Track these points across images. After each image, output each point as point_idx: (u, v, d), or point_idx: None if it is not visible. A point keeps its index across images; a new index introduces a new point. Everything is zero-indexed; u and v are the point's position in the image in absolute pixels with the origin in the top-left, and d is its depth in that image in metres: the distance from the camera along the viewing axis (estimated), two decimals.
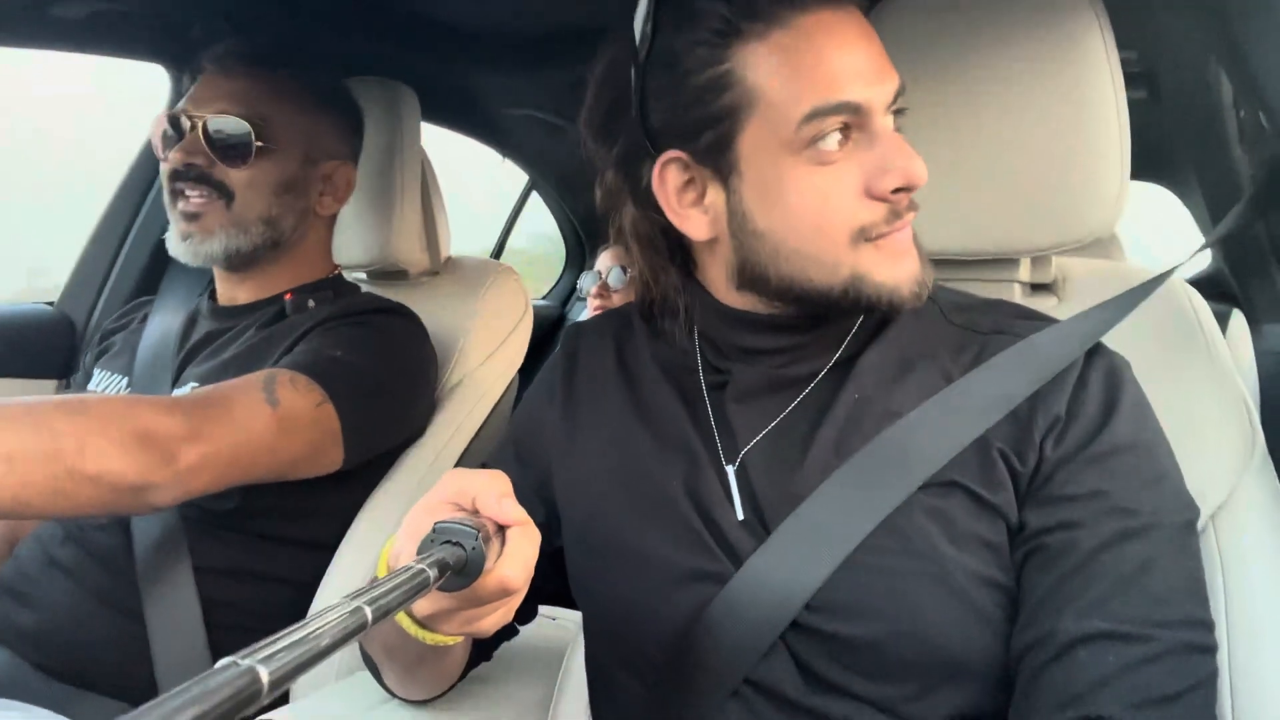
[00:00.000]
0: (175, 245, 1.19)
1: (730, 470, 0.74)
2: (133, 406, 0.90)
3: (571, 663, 0.99)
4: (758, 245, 0.70)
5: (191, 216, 1.16)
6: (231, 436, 0.95)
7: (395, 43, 1.49)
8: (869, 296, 0.68)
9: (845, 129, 0.66)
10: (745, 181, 0.69)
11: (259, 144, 1.16)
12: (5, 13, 1.19)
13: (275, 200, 1.20)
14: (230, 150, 1.16)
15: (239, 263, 1.21)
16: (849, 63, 0.66)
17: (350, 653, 1.10)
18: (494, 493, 0.57)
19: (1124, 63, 0.85)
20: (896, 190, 0.67)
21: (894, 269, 0.69)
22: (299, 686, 1.10)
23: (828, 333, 0.75)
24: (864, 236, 0.67)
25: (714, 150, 0.69)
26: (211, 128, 1.15)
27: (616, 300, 2.28)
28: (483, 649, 0.88)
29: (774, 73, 0.66)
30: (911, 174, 0.66)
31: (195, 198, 1.16)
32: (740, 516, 0.71)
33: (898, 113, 0.69)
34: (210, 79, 1.19)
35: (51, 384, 1.62)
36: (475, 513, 0.57)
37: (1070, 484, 0.65)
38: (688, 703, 0.69)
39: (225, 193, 1.17)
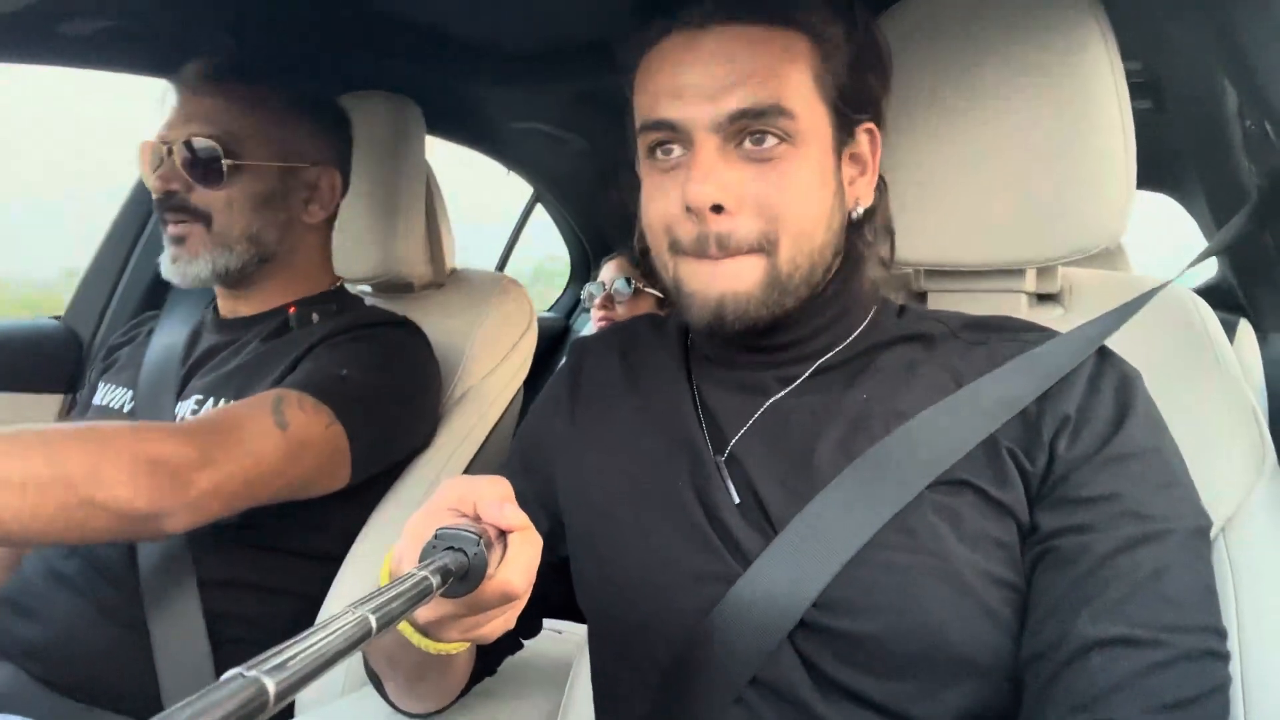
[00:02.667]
0: (166, 268, 1.19)
1: (719, 460, 0.75)
2: (144, 434, 0.90)
3: (578, 676, 0.98)
4: (648, 239, 0.78)
5: (177, 240, 1.17)
6: (243, 462, 0.95)
7: (400, 57, 1.50)
8: (684, 304, 0.75)
9: (673, 140, 0.73)
10: (642, 182, 0.78)
11: (229, 162, 1.15)
12: (12, 30, 1.20)
13: (256, 216, 1.19)
14: (204, 173, 1.15)
15: (231, 280, 1.21)
16: (673, 84, 0.71)
17: (355, 668, 1.10)
18: (495, 498, 0.57)
19: (1129, 73, 0.85)
20: (686, 208, 0.71)
21: (703, 281, 0.73)
22: (304, 702, 1.10)
23: (810, 340, 0.78)
24: (678, 247, 0.74)
25: (635, 158, 0.79)
26: (183, 153, 1.14)
27: (621, 311, 2.28)
28: (487, 663, 0.88)
29: (635, 92, 0.76)
30: (689, 195, 0.70)
31: (178, 225, 1.16)
32: (736, 500, 0.73)
33: (757, 138, 0.70)
34: (182, 102, 1.18)
35: (58, 398, 1.62)
36: (477, 518, 0.56)
37: (1084, 487, 0.65)
38: (694, 706, 0.69)
39: (203, 217, 1.16)
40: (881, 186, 0.83)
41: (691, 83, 0.71)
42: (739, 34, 0.71)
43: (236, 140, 1.16)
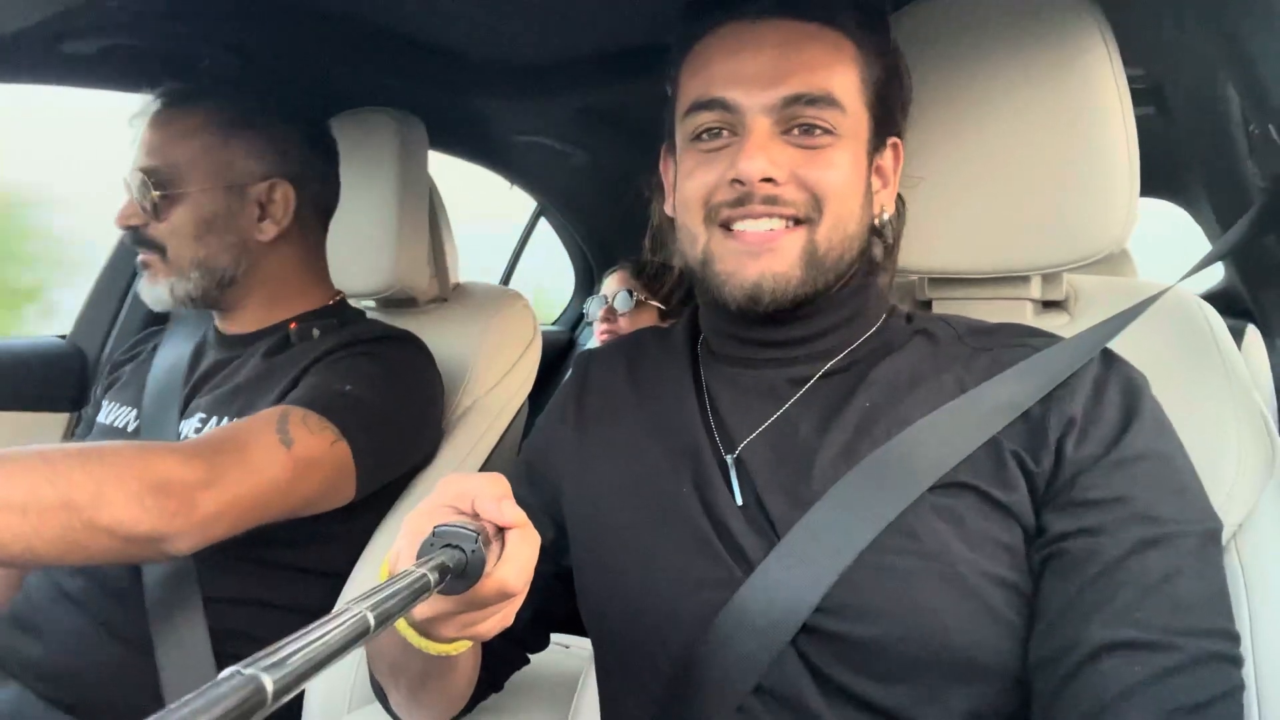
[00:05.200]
0: (142, 290, 1.23)
1: (730, 459, 0.75)
2: (149, 455, 0.90)
3: (584, 691, 0.98)
4: (677, 222, 0.80)
5: (144, 265, 1.21)
6: (248, 481, 0.95)
7: (403, 73, 1.51)
8: (714, 282, 0.75)
9: (724, 125, 0.75)
10: (678, 167, 0.80)
11: (157, 194, 1.16)
12: (18, 50, 1.20)
13: (200, 243, 1.19)
14: (151, 206, 1.17)
15: (202, 304, 1.23)
16: (729, 67, 0.74)
17: (361, 684, 1.09)
18: (492, 495, 0.57)
19: (1131, 79, 0.85)
20: (734, 181, 0.73)
21: (737, 261, 0.74)
22: (310, 717, 1.09)
23: (823, 337, 0.79)
24: (716, 216, 0.75)
25: (670, 139, 0.82)
26: (133, 187, 1.17)
27: (623, 324, 2.27)
28: (494, 678, 0.87)
29: (682, 78, 0.79)
30: (739, 168, 0.72)
31: (143, 254, 1.20)
32: (739, 502, 0.73)
33: (805, 128, 0.73)
34: (140, 138, 1.21)
35: (63, 417, 1.62)
36: (475, 516, 0.56)
37: (1092, 489, 0.65)
38: (698, 715, 0.68)
39: (158, 247, 1.19)
40: (899, 204, 0.85)
41: (747, 68, 0.74)
42: (793, 28, 0.74)
43: (173, 169, 1.17)
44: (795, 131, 0.73)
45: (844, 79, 0.74)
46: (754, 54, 0.74)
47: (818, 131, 0.73)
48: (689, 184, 0.77)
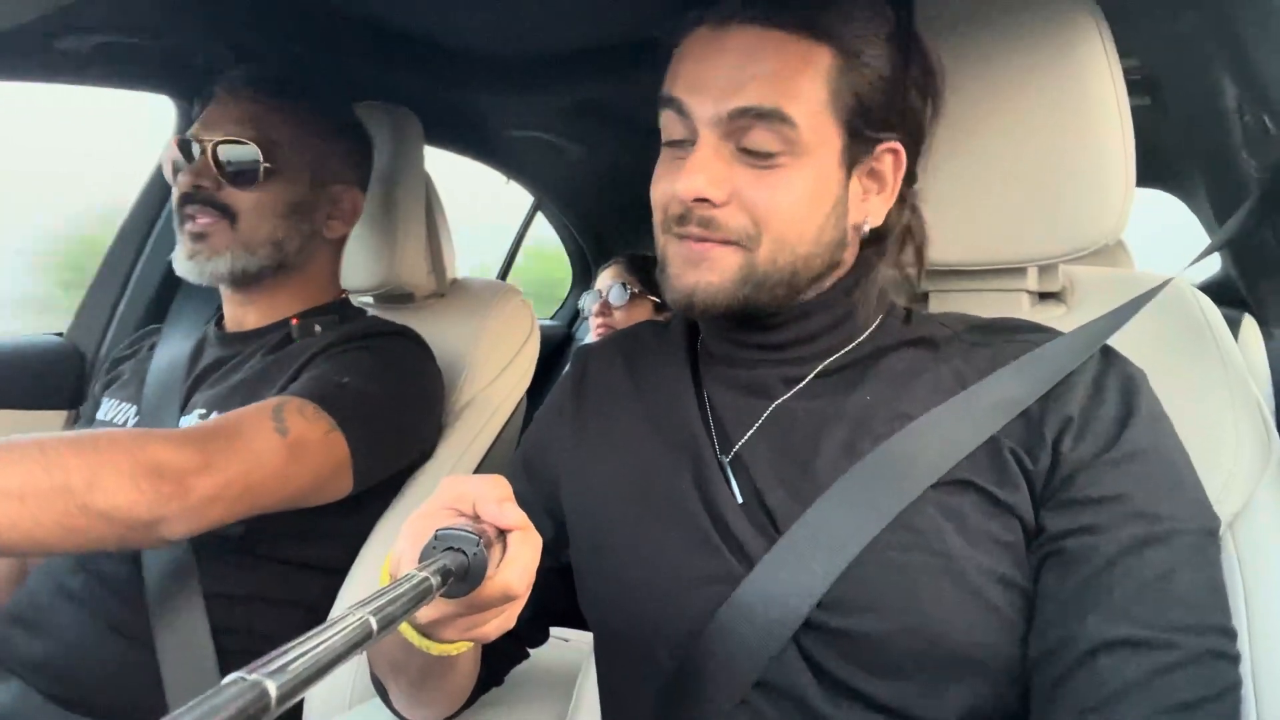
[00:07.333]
0: (181, 264, 1.19)
1: (725, 460, 0.75)
2: (144, 440, 0.90)
3: (584, 685, 0.98)
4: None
5: (198, 236, 1.17)
6: (243, 467, 0.95)
7: (398, 67, 1.50)
8: (670, 287, 0.75)
9: (685, 129, 0.73)
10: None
11: (267, 166, 1.17)
12: (10, 47, 1.20)
13: (281, 222, 1.21)
14: (238, 173, 1.17)
15: (245, 282, 1.22)
16: (691, 71, 0.73)
17: (362, 679, 1.10)
18: (494, 497, 0.57)
19: (1126, 70, 0.85)
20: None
21: (680, 267, 0.74)
22: (311, 714, 1.09)
23: (813, 340, 0.78)
24: (670, 226, 0.74)
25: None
26: (221, 152, 1.16)
27: (618, 318, 2.28)
28: (494, 673, 0.87)
29: (664, 77, 0.77)
30: (678, 186, 0.71)
31: (202, 219, 1.17)
32: (739, 500, 0.73)
33: (754, 138, 0.70)
34: (221, 104, 1.20)
35: (61, 415, 1.62)
36: (476, 518, 0.56)
37: (1090, 487, 0.65)
38: (699, 710, 0.68)
39: (229, 215, 1.17)
40: (910, 204, 0.81)
41: (705, 75, 0.72)
42: (759, 36, 0.71)
43: (274, 146, 1.18)
44: (746, 143, 0.70)
45: (804, 92, 0.69)
46: (714, 62, 0.71)
47: (768, 145, 0.70)
48: (654, 191, 0.77)
